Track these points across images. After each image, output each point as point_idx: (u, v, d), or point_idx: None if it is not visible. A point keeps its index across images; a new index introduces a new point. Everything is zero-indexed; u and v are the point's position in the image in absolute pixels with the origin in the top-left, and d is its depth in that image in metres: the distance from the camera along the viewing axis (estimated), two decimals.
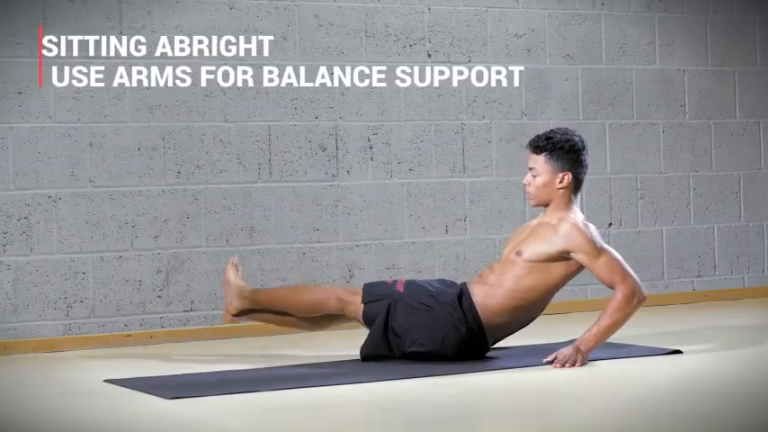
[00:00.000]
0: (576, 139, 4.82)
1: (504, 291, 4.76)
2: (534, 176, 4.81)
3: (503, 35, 6.51)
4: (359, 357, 4.95)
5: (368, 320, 4.88)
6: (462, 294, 4.79)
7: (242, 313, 5.01)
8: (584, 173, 4.86)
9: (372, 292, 4.89)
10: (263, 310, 5.01)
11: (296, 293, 5.01)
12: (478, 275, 4.94)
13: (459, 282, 4.97)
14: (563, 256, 4.73)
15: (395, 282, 4.92)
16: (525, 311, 4.80)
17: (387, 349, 4.84)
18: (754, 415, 3.71)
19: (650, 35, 6.85)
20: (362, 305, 4.87)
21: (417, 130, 6.29)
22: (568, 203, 4.81)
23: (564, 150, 4.78)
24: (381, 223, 6.23)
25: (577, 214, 4.81)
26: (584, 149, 4.83)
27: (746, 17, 7.07)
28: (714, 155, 6.99)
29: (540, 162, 4.80)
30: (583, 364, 4.59)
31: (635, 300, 4.65)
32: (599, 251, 4.69)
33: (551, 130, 4.85)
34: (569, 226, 4.73)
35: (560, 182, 4.79)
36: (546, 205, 4.84)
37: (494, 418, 3.79)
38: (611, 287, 4.69)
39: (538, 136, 4.85)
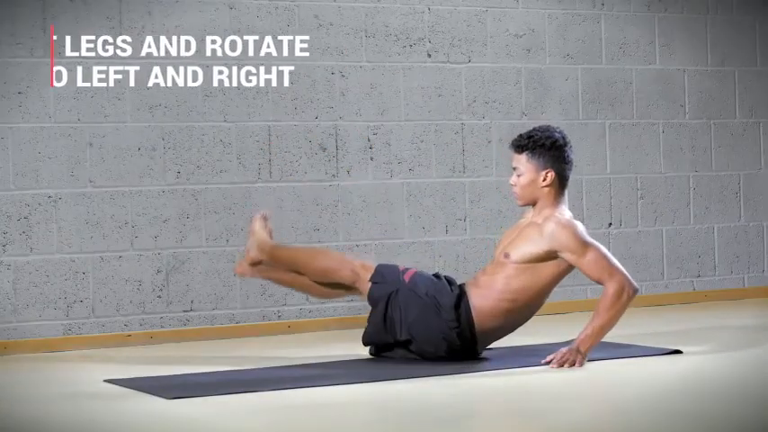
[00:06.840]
0: (558, 135, 4.81)
1: (494, 293, 4.75)
2: (519, 176, 4.81)
3: (503, 35, 6.51)
4: (359, 358, 4.95)
5: (371, 300, 4.91)
6: (462, 297, 4.78)
7: (257, 264, 5.04)
8: (569, 169, 4.84)
9: (381, 273, 4.90)
10: (279, 266, 5.03)
11: (314, 257, 5.03)
12: (474, 277, 4.93)
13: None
14: (550, 256, 4.73)
15: (405, 270, 4.92)
16: (517, 314, 4.78)
17: (386, 336, 4.86)
18: (755, 415, 3.71)
19: (650, 35, 6.85)
20: (369, 283, 4.89)
21: (417, 130, 6.29)
22: (554, 201, 4.80)
23: (545, 148, 4.78)
24: (381, 223, 6.23)
25: (564, 212, 4.79)
26: (565, 146, 4.82)
27: (746, 17, 7.08)
28: (714, 155, 6.99)
29: (522, 161, 4.80)
30: (582, 364, 4.59)
31: (625, 295, 4.64)
32: (585, 248, 4.68)
33: (533, 129, 4.85)
34: (554, 225, 4.72)
35: (544, 180, 4.79)
36: (533, 204, 4.84)
37: (493, 419, 3.79)
38: (600, 283, 4.69)
39: (520, 135, 4.84)
